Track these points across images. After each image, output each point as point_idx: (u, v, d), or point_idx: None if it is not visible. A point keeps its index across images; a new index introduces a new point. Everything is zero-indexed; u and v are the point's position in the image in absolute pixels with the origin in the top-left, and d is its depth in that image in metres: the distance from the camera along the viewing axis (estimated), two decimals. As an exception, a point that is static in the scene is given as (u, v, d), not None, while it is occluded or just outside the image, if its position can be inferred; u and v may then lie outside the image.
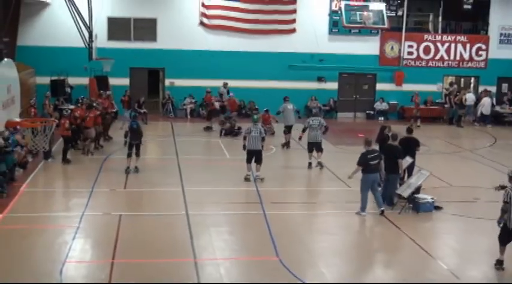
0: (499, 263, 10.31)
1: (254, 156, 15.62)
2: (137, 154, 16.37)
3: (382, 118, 28.39)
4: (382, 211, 12.98)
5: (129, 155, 16.27)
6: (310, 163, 17.24)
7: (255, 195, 14.27)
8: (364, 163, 12.94)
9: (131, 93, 24.87)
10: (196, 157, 18.80)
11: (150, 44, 27.12)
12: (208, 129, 23.40)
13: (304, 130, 17.53)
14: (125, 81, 26.95)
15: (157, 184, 15.55)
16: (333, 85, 28.84)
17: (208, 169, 17.00)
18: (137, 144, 16.34)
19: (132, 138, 16.31)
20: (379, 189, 13.51)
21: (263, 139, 15.77)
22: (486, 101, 27.70)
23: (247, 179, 15.60)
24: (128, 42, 26.97)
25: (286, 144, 20.27)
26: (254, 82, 27.49)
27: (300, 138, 18.07)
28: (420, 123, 25.86)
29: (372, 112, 29.05)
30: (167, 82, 27.78)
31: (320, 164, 17.18)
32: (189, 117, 27.41)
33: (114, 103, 22.22)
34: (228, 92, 24.65)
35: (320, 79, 28.55)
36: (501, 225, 10.33)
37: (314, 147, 17.30)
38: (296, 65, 28.20)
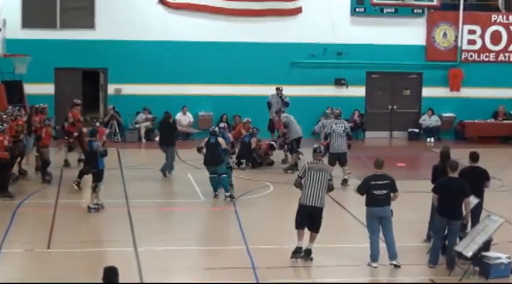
0: (297, 252, 13.69)
1: None
2: (93, 189, 17.22)
3: (432, 138, 28.56)
4: (395, 265, 13.53)
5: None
6: None
7: (245, 256, 14.27)
8: (365, 191, 13.57)
9: (57, 104, 24.80)
10: (156, 201, 18.78)
11: (85, 33, 27.30)
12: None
13: (326, 138, 20.17)
14: (48, 89, 27.07)
15: (96, 241, 15.50)
16: (359, 91, 29.08)
17: (174, 219, 17.07)
18: (94, 172, 17.30)
19: (87, 163, 17.68)
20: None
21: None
22: None
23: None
24: (52, 31, 27.13)
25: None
26: (240, 88, 27.69)
27: (325, 148, 19.55)
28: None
29: (416, 131, 29.24)
30: (111, 89, 27.93)
31: (346, 181, 19.97)
32: (143, 140, 27.45)
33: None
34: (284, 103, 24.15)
35: (339, 82, 28.75)
36: None
37: (338, 159, 19.90)
38: (303, 61, 28.43)
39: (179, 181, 20.95)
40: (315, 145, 14.50)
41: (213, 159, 18.72)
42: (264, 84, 27.05)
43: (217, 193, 18.76)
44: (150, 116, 27.68)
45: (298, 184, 14.12)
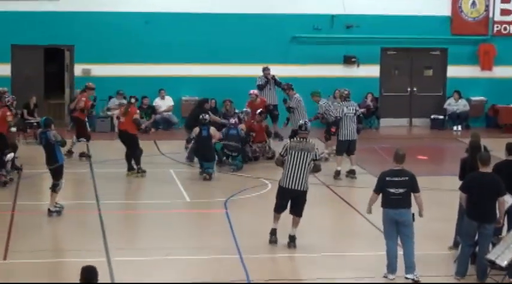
0: (273, 233, 15.06)
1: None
2: (52, 188, 17.06)
3: (459, 126, 28.60)
4: (413, 280, 13.42)
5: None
6: (339, 171, 20.88)
7: (238, 267, 14.24)
8: (380, 189, 13.60)
9: (15, 88, 24.83)
10: (132, 202, 18.77)
11: (47, 4, 27.25)
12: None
13: (336, 123, 21.04)
14: (4, 70, 27.07)
15: (62, 250, 15.52)
16: (372, 71, 29.14)
17: (154, 224, 16.97)
18: (53, 169, 17.17)
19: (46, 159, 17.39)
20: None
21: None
22: None
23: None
24: (8, 2, 27.05)
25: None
26: (231, 68, 27.71)
27: (334, 134, 21.20)
28: None
29: (440, 117, 29.31)
30: (78, 69, 27.91)
31: (353, 173, 20.96)
32: (117, 130, 27.32)
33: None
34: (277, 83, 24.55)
35: (349, 60, 28.76)
36: None
37: (348, 147, 20.81)
38: (305, 35, 28.45)
39: (160, 179, 20.90)
40: (301, 121, 15.43)
41: (206, 155, 20.62)
42: (258, 63, 26.81)
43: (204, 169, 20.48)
44: (124, 101, 27.53)
45: (279, 163, 15.14)
